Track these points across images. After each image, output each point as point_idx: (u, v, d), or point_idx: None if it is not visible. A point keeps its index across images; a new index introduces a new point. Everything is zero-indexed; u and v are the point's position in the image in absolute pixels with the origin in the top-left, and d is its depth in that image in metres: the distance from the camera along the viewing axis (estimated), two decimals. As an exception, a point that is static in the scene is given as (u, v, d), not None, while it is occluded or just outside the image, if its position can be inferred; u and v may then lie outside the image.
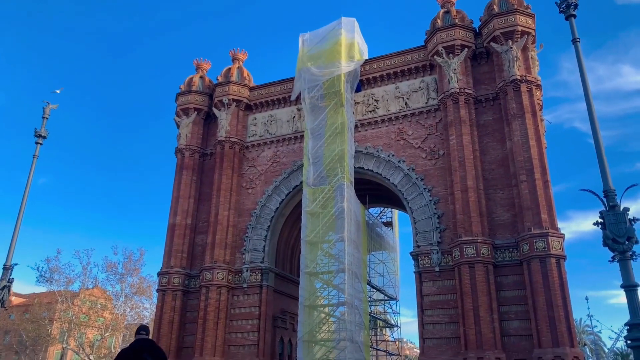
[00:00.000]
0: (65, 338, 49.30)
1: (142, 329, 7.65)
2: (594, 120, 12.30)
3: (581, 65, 13.00)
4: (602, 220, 11.06)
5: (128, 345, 7.53)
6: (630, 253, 10.58)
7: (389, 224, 39.93)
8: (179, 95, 34.54)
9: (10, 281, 17.27)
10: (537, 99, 26.20)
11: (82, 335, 46.62)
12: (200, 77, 35.14)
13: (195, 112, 33.76)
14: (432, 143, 27.57)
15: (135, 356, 7.07)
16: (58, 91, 21.17)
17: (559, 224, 23.24)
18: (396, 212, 39.79)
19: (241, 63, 35.10)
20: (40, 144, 20.06)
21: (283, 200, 30.42)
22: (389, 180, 27.82)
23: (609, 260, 10.88)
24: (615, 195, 11.18)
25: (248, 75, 34.43)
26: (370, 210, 36.26)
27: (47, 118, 20.68)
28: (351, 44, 30.30)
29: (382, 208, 39.37)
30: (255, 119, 33.45)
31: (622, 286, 10.43)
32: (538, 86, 26.47)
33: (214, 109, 33.45)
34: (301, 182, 29.35)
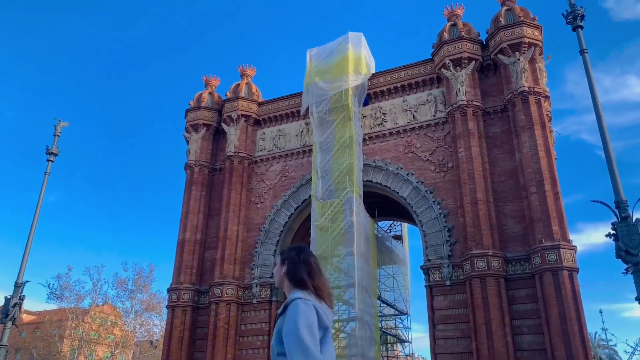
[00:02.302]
0: (75, 356, 49.23)
1: None
2: (604, 132, 12.22)
3: (589, 76, 12.96)
4: (614, 231, 10.94)
5: None
6: (644, 265, 10.42)
7: (398, 238, 39.70)
8: (188, 112, 34.85)
9: (22, 299, 17.37)
10: (546, 110, 26.10)
11: (93, 353, 46.63)
12: (209, 93, 35.48)
13: (205, 128, 34.02)
14: (440, 156, 27.50)
15: None
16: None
17: (570, 236, 22.99)
18: (406, 225, 39.59)
19: (250, 79, 35.41)
20: (52, 161, 20.31)
21: (292, 214, 30.41)
22: (398, 193, 27.73)
23: (623, 272, 10.72)
24: (627, 206, 11.06)
25: (256, 90, 34.70)
26: (380, 223, 36.11)
27: (58, 135, 20.96)
28: (358, 58, 30.48)
29: (391, 221, 39.18)
30: (264, 133, 33.62)
31: (636, 298, 10.26)
32: (546, 97, 26.39)
33: (222, 124, 33.69)
34: (310, 196, 29.35)
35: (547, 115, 25.94)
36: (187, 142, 34.36)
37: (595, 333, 52.16)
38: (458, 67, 27.34)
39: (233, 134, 32.79)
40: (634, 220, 10.82)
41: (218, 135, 34.61)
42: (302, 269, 3.59)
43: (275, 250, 30.04)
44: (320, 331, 3.27)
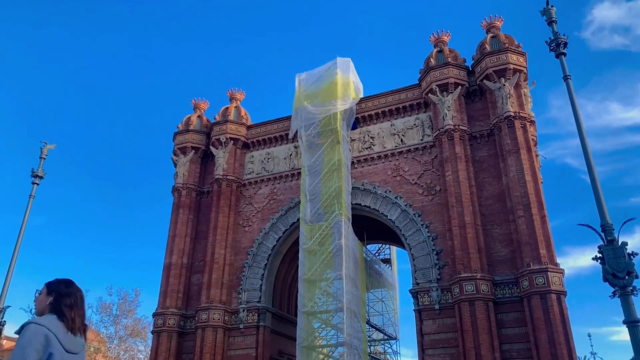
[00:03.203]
0: (56, 383, 47.84)
1: None
2: (588, 156, 12.40)
3: (573, 101, 13.21)
4: (600, 255, 10.99)
5: None
6: (631, 288, 10.46)
7: (387, 261, 39.60)
8: (177, 135, 34.83)
9: (2, 324, 16.96)
10: (532, 134, 26.48)
11: (75, 380, 45.31)
12: (198, 116, 35.56)
13: (193, 151, 33.97)
14: (428, 179, 27.68)
15: None
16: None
17: (557, 259, 23.09)
18: (394, 248, 39.53)
19: (239, 102, 35.58)
20: (37, 184, 20.08)
21: (280, 237, 30.24)
22: (387, 216, 27.77)
23: (610, 296, 10.74)
24: (613, 229, 11.14)
25: (245, 114, 34.84)
26: (369, 247, 36.04)
27: (44, 158, 20.77)
28: (347, 83, 30.84)
29: (380, 245, 39.12)
30: (253, 156, 33.64)
31: (624, 322, 10.27)
32: (532, 122, 26.82)
33: (211, 147, 33.68)
34: (298, 219, 29.25)
35: (532, 139, 26.31)
36: (175, 165, 34.23)
37: (585, 357, 51.88)
38: (445, 92, 27.75)
39: (221, 157, 32.77)
40: (619, 243, 10.89)
41: (206, 158, 34.56)
42: (66, 302, 4.02)
43: (263, 274, 29.76)
44: (45, 354, 3.68)
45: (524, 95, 26.87)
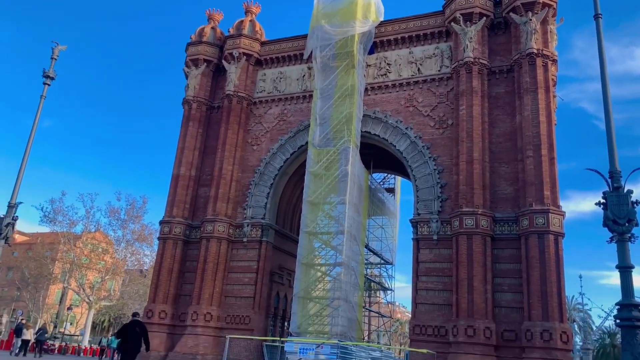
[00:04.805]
0: (66, 278, 50.44)
1: (135, 314, 14.80)
2: (607, 100, 12.13)
3: (600, 41, 12.71)
4: (604, 200, 11.07)
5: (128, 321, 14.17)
6: (629, 235, 10.65)
7: (391, 190, 40.04)
8: (189, 45, 34.11)
9: (15, 219, 17.59)
10: (552, 74, 25.76)
11: (83, 277, 47.70)
12: (212, 28, 34.62)
13: (205, 64, 33.41)
14: (441, 112, 27.33)
15: (130, 326, 13.87)
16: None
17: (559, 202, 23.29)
18: (399, 179, 39.83)
19: (254, 16, 34.46)
20: (48, 84, 19.99)
21: (287, 159, 30.46)
22: (395, 146, 27.74)
23: (607, 241, 10.94)
24: (621, 177, 11.15)
25: (260, 29, 33.85)
26: (374, 175, 36.30)
27: (55, 59, 20.52)
28: (368, 3, 29.62)
29: (385, 174, 39.38)
30: (265, 74, 33.10)
31: (617, 267, 10.54)
32: (554, 61, 25.98)
33: (223, 61, 33.07)
34: (307, 143, 29.30)
35: (552, 79, 25.64)
36: (187, 77, 33.84)
37: (573, 297, 53.95)
38: (468, 22, 26.68)
39: (233, 72, 32.26)
40: (625, 191, 10.94)
41: (218, 72, 34.04)
42: None
43: (268, 193, 30.32)
44: None
45: (550, 32, 25.81)
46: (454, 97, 26.78)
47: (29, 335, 25.85)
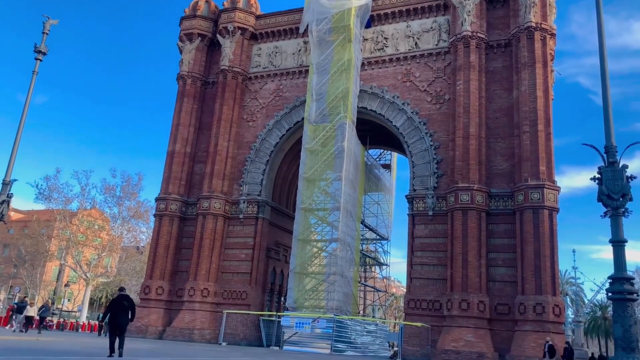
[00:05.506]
0: (63, 255, 50.56)
1: (122, 289, 13.58)
2: (605, 76, 12.03)
3: (600, 13, 12.53)
4: (599, 175, 11.07)
5: (115, 296, 13.25)
6: (623, 209, 10.68)
7: (387, 167, 40.05)
8: (183, 19, 33.58)
9: (10, 196, 17.47)
10: (550, 48, 25.53)
11: (80, 254, 47.78)
12: (206, 1, 34.06)
13: (199, 38, 32.94)
14: (438, 87, 27.14)
15: (117, 301, 12.91)
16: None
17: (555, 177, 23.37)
18: (395, 155, 39.80)
19: (249, -11, 33.81)
20: (40, 60, 19.64)
21: (283, 135, 30.31)
22: (392, 122, 27.62)
23: (601, 215, 10.97)
24: (616, 152, 11.13)
25: (255, 2, 33.30)
26: (370, 151, 36.25)
27: (47, 34, 20.13)
28: (364, -24, 29.08)
29: (381, 150, 39.33)
30: (260, 49, 32.68)
31: (610, 241, 10.59)
32: (552, 35, 25.72)
33: (218, 36, 32.60)
34: (303, 119, 29.13)
35: (550, 53, 25.41)
36: (181, 52, 33.37)
37: (566, 271, 54.68)
38: (467, -5, 26.27)
39: (228, 47, 31.84)
40: (620, 165, 10.93)
41: (213, 47, 33.59)
42: None
43: (264, 170, 30.26)
44: None
45: (549, 4, 25.50)
46: (451, 72, 26.56)
47: (33, 312, 26.06)
